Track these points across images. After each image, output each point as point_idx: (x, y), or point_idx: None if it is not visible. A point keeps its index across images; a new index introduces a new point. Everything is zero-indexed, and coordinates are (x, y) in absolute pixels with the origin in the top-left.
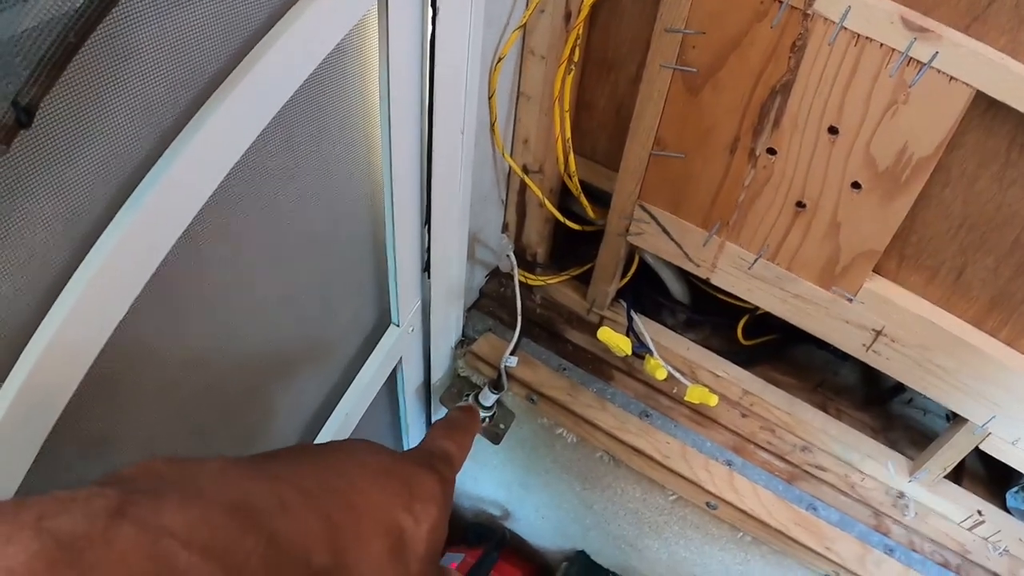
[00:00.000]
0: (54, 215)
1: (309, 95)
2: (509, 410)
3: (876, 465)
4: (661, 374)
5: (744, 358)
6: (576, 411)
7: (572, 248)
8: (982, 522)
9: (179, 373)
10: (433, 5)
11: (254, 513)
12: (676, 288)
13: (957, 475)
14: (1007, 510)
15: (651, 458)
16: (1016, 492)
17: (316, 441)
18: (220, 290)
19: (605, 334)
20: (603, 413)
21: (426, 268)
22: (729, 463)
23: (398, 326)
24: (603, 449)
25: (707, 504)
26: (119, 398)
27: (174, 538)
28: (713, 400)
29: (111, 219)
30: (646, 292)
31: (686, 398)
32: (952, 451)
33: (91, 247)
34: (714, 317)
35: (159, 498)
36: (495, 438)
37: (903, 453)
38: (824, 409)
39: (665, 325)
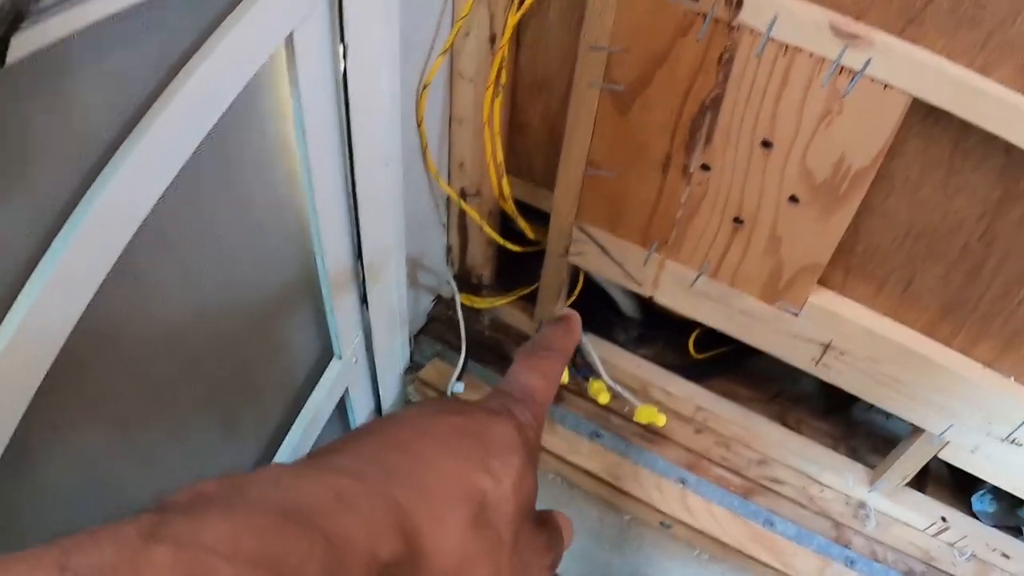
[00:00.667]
0: None
1: (219, 140)
2: None
3: (835, 476)
4: (604, 398)
5: (698, 371)
6: None
7: (520, 267)
8: (946, 528)
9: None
10: (343, 41)
11: (306, 513)
12: (626, 304)
13: (921, 481)
14: (973, 514)
15: (602, 480)
16: (982, 496)
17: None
18: (142, 344)
19: None
20: (552, 436)
21: (364, 300)
22: (683, 481)
23: (340, 358)
24: (555, 472)
25: (661, 523)
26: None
27: (215, 553)
28: (661, 420)
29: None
30: (597, 309)
31: (635, 419)
32: (911, 461)
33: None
34: (666, 331)
35: (200, 515)
36: None
37: (866, 460)
38: (783, 419)
39: (617, 342)
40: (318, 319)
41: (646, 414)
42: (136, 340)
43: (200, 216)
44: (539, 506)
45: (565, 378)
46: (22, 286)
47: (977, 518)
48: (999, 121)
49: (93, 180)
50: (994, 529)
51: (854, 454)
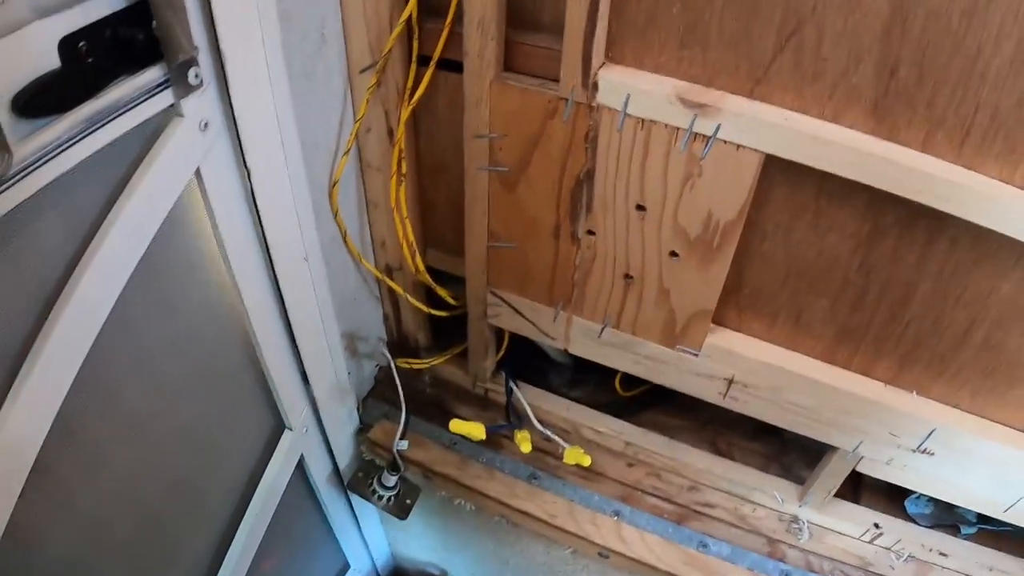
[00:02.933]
0: None
1: (153, 262)
2: (415, 484)
3: (764, 495)
4: (526, 447)
5: (629, 408)
6: (466, 483)
7: (455, 326)
8: (880, 534)
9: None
10: (245, 165)
11: None
12: (555, 352)
13: (856, 490)
14: (910, 517)
15: (540, 519)
16: (916, 499)
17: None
18: (108, 443)
19: (456, 425)
20: (492, 482)
21: (304, 376)
22: (617, 513)
23: (291, 430)
24: (498, 514)
25: (599, 554)
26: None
27: None
28: (586, 460)
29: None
30: (530, 358)
31: (564, 460)
32: (831, 476)
33: None
34: (596, 374)
35: None
36: (402, 512)
37: (799, 476)
38: (715, 444)
39: (551, 387)
40: (267, 399)
41: (573, 455)
42: (103, 440)
43: (146, 325)
44: (487, 544)
45: (482, 434)
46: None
47: (914, 521)
48: (851, 167)
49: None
50: (930, 530)
51: (787, 471)
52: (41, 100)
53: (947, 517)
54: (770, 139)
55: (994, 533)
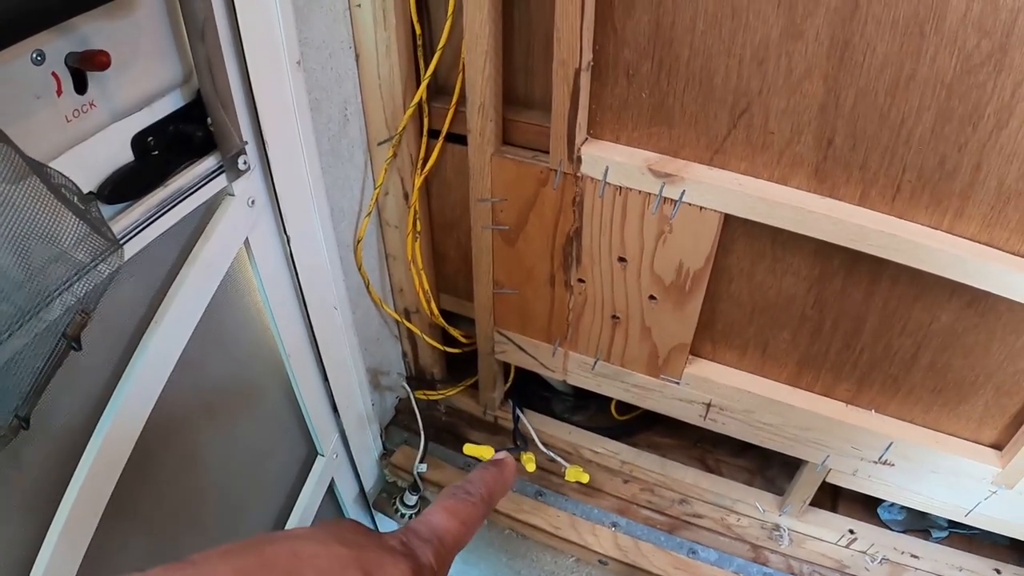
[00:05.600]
0: None
1: (212, 315)
2: None
3: (748, 506)
4: (531, 467)
5: (623, 431)
6: None
7: (467, 361)
8: (855, 539)
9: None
10: (286, 232)
11: None
12: (556, 382)
13: (834, 499)
14: (883, 523)
15: (545, 531)
16: (888, 507)
17: None
18: (170, 470)
19: (469, 449)
20: (502, 500)
21: (335, 408)
22: (615, 525)
23: (323, 456)
24: (507, 528)
25: (599, 561)
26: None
27: None
28: (585, 478)
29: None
30: (534, 388)
31: (565, 478)
32: (805, 487)
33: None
34: (595, 401)
35: None
36: None
37: (780, 487)
38: (704, 461)
39: (554, 413)
40: (302, 428)
41: (573, 473)
42: (168, 465)
43: (206, 368)
44: (500, 557)
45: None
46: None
47: (888, 526)
48: (797, 222)
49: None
50: (902, 535)
51: (770, 484)
52: (120, 190)
53: (919, 523)
54: (727, 201)
55: (965, 536)
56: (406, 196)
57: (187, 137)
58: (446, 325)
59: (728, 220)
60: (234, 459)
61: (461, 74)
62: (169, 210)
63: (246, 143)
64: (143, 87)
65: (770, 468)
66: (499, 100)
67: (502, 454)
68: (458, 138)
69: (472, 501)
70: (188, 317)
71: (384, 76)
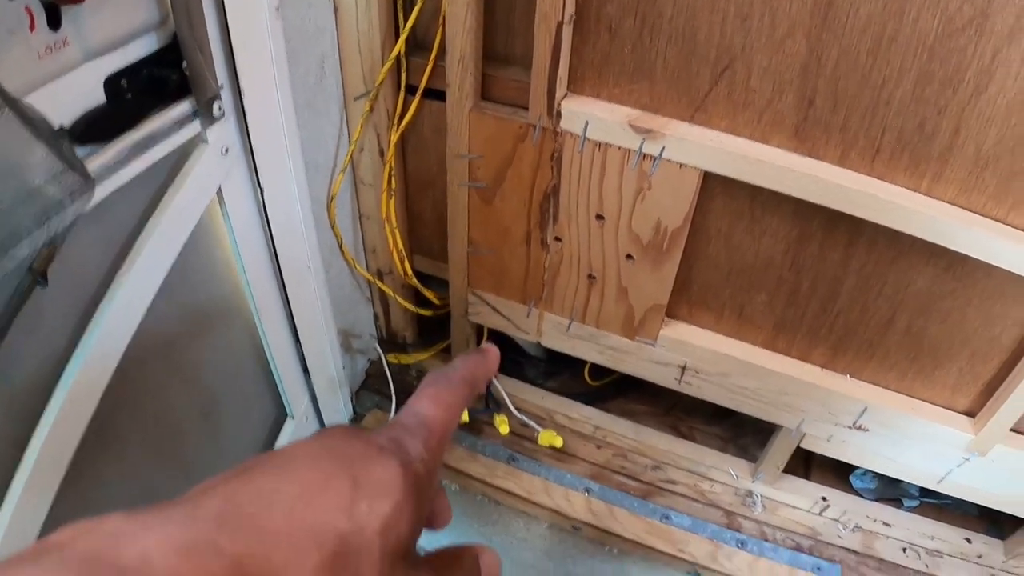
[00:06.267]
0: None
1: (182, 267)
2: None
3: (721, 472)
4: (504, 429)
5: (597, 397)
6: (451, 465)
7: (439, 325)
8: (828, 506)
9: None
10: (259, 184)
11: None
12: (530, 347)
13: (807, 467)
14: (856, 492)
15: (518, 496)
16: (862, 475)
17: None
18: (135, 424)
19: None
20: (474, 463)
21: (305, 370)
22: (588, 490)
23: (293, 418)
24: (480, 493)
25: (573, 527)
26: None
27: None
28: (559, 442)
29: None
30: (507, 353)
31: (539, 442)
32: (779, 453)
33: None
34: (568, 366)
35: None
36: None
37: (754, 455)
38: (677, 428)
39: (528, 378)
40: (272, 389)
41: (547, 438)
42: (132, 419)
43: (175, 321)
44: (471, 523)
45: (465, 418)
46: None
47: (860, 495)
48: (777, 181)
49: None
50: (874, 503)
51: (744, 451)
52: (91, 131)
53: (891, 491)
54: (707, 159)
55: (936, 506)
56: (382, 153)
57: (161, 81)
58: (420, 286)
59: (707, 178)
60: (202, 417)
61: (441, 28)
62: (141, 154)
63: (221, 87)
64: (118, 27)
65: (743, 436)
66: (479, 54)
67: (487, 344)
68: (436, 94)
69: (457, 386)
70: (158, 265)
71: (363, 29)
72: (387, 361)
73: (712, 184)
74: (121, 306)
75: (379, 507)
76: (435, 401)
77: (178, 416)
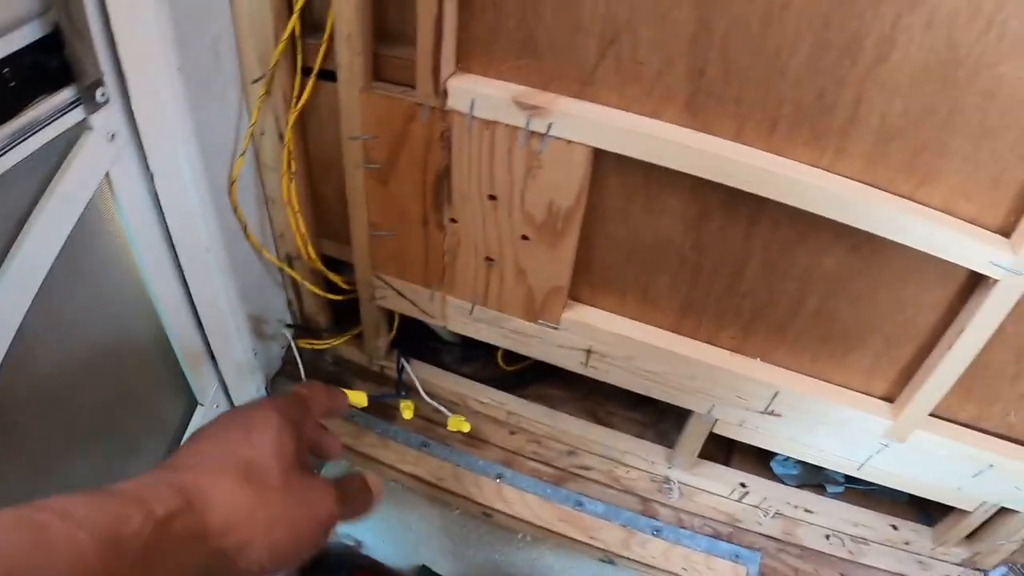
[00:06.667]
0: None
1: (70, 254)
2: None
3: (637, 458)
4: (408, 414)
5: (513, 382)
6: (362, 451)
7: (353, 310)
8: (747, 492)
9: None
10: (148, 168)
11: (119, 491)
12: (443, 332)
13: (728, 453)
14: (777, 478)
15: (427, 482)
16: (782, 461)
17: None
18: (30, 421)
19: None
20: (385, 450)
21: (212, 356)
22: (500, 476)
23: (203, 406)
24: (391, 479)
25: (484, 514)
26: None
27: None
28: (466, 427)
29: None
30: (422, 338)
31: (448, 428)
32: (692, 438)
33: None
34: (483, 351)
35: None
36: None
37: (673, 441)
38: (594, 414)
39: (443, 364)
40: (178, 376)
41: (455, 423)
42: (27, 418)
43: (65, 311)
44: (398, 507)
45: (364, 401)
46: None
47: (782, 481)
48: (670, 157)
49: None
50: (796, 489)
51: (663, 437)
52: None
53: (814, 478)
54: (596, 135)
55: (862, 492)
56: (281, 136)
57: (43, 68)
58: (325, 270)
59: (599, 155)
60: (109, 406)
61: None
62: (22, 142)
63: (103, 73)
64: None
65: (664, 422)
66: (368, 32)
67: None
68: (333, 75)
69: (313, 383)
70: (45, 251)
71: (255, 9)
72: (297, 347)
73: (605, 161)
74: (6, 294)
75: (266, 437)
76: (298, 385)
77: (83, 405)
